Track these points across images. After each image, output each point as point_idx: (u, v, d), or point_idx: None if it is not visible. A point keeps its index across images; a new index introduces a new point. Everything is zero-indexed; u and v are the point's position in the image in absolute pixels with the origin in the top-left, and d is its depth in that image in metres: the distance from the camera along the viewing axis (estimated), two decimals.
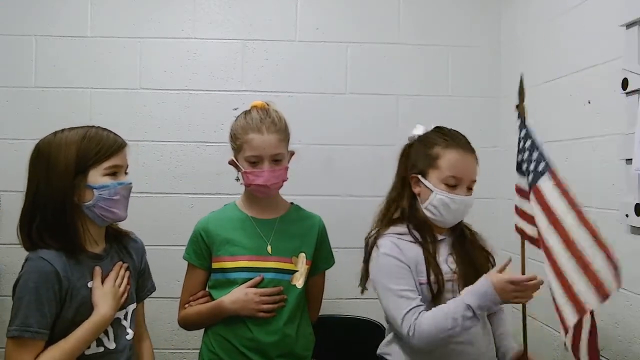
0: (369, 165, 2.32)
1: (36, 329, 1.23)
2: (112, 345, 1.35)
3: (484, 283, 1.37)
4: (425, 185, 1.49)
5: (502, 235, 2.11)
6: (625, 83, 1.51)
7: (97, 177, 1.31)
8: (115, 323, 1.37)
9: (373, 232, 1.57)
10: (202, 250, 1.61)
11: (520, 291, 1.35)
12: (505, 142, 2.33)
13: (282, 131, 1.57)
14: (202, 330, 1.66)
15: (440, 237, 1.53)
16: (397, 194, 1.56)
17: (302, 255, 1.62)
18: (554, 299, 1.22)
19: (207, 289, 1.66)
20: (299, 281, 1.61)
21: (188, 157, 2.29)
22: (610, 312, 1.59)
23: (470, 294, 1.37)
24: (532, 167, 1.33)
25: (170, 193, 2.29)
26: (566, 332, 1.21)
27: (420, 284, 1.46)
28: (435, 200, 1.47)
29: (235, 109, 1.74)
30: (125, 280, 1.40)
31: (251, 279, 1.56)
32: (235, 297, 1.54)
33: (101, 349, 1.33)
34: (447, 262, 1.50)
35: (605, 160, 1.63)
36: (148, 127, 2.27)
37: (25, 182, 1.36)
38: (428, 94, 2.35)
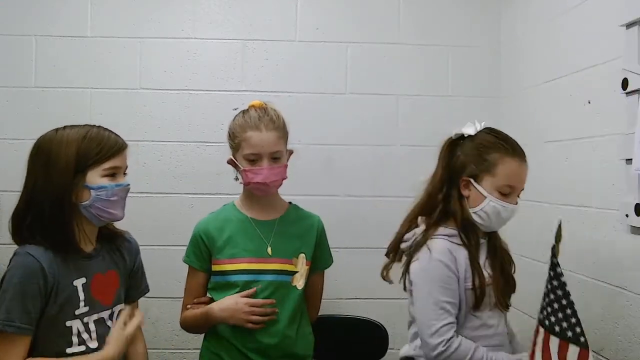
0: (369, 165, 2.32)
1: (19, 324, 1.23)
2: (94, 345, 1.34)
3: None
4: (478, 191, 1.45)
5: (501, 236, 2.11)
6: (625, 83, 1.51)
7: (95, 177, 1.31)
8: (99, 323, 1.36)
9: (418, 230, 1.51)
10: (202, 252, 1.61)
11: None
12: None
13: (281, 129, 1.57)
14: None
15: (481, 241, 1.51)
16: (444, 194, 1.50)
17: (302, 255, 1.62)
18: None
19: (208, 291, 1.65)
20: (299, 282, 1.60)
21: (188, 157, 2.29)
22: (610, 312, 1.59)
23: None
24: (564, 324, 1.33)
25: (170, 193, 2.29)
26: None
27: (466, 289, 1.43)
28: (488, 207, 1.43)
29: (235, 109, 1.73)
30: (136, 322, 1.38)
31: (251, 281, 1.55)
32: (225, 305, 1.53)
33: (83, 348, 1.32)
34: (484, 266, 1.48)
35: (605, 160, 1.63)
36: (148, 127, 2.27)
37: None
38: (428, 94, 2.35)
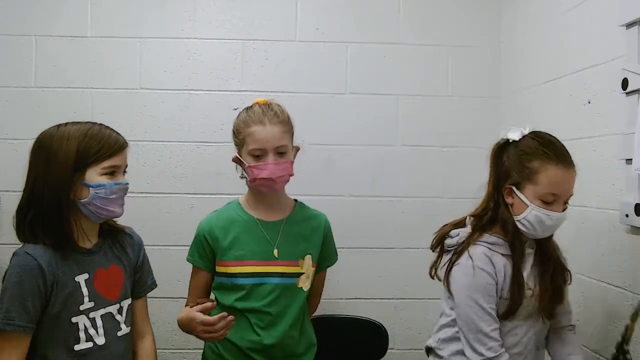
0: (369, 165, 2.32)
1: (18, 323, 1.23)
2: (101, 341, 1.34)
3: None
4: (520, 199, 1.40)
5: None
6: (625, 83, 1.51)
7: (94, 175, 1.31)
8: (107, 317, 1.37)
9: (464, 231, 1.50)
10: (207, 252, 1.59)
11: None
12: None
13: (285, 123, 1.54)
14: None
15: (528, 252, 1.47)
16: (495, 202, 1.46)
17: (308, 257, 1.60)
18: None
19: (212, 290, 1.64)
20: (305, 283, 1.59)
21: (188, 157, 2.29)
22: (610, 312, 1.59)
23: None
24: None
25: (170, 193, 2.29)
26: None
27: (501, 298, 1.42)
28: (531, 215, 1.39)
29: (236, 109, 1.73)
30: None
31: (258, 284, 1.54)
32: (183, 318, 1.51)
33: (90, 344, 1.33)
34: (528, 277, 1.45)
35: (605, 160, 1.63)
36: (148, 127, 2.27)
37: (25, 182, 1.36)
38: (428, 94, 2.35)
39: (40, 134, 1.35)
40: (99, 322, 1.35)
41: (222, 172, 2.29)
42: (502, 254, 1.43)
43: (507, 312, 1.42)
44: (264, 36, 2.31)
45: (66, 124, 1.35)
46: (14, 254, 1.30)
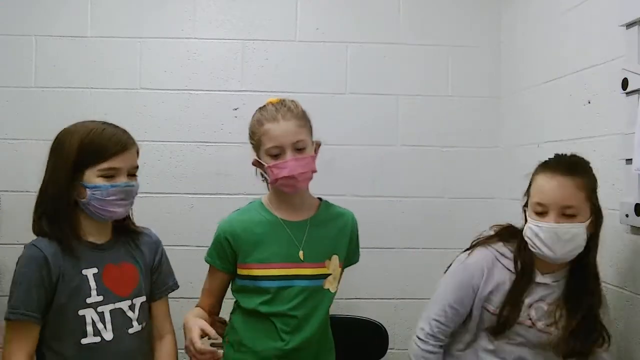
0: (369, 165, 2.32)
1: (23, 312, 1.27)
2: (109, 336, 1.34)
3: None
4: (526, 215, 1.39)
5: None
6: (625, 83, 1.51)
7: (91, 177, 1.32)
8: (117, 313, 1.37)
9: (485, 234, 1.50)
10: (227, 254, 1.51)
11: None
12: (505, 142, 2.33)
13: (301, 117, 1.47)
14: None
15: (541, 280, 1.40)
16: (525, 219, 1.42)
17: (335, 257, 1.53)
18: None
19: (233, 292, 1.59)
20: (332, 285, 1.52)
21: (188, 157, 2.29)
22: (611, 312, 1.59)
23: None
24: None
25: (170, 193, 2.29)
26: None
27: (485, 308, 1.41)
28: (528, 230, 1.36)
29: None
30: None
31: (284, 287, 1.47)
32: (189, 322, 1.40)
33: (97, 339, 1.33)
34: (532, 306, 1.39)
35: (605, 160, 1.63)
36: (148, 127, 2.27)
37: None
38: (428, 94, 2.35)
39: (61, 130, 1.39)
40: (108, 317, 1.35)
41: (222, 172, 2.29)
42: (508, 269, 1.41)
43: (492, 328, 1.40)
44: (264, 36, 2.31)
45: (83, 122, 1.38)
46: (24, 247, 1.34)
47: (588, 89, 1.73)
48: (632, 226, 1.50)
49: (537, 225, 1.33)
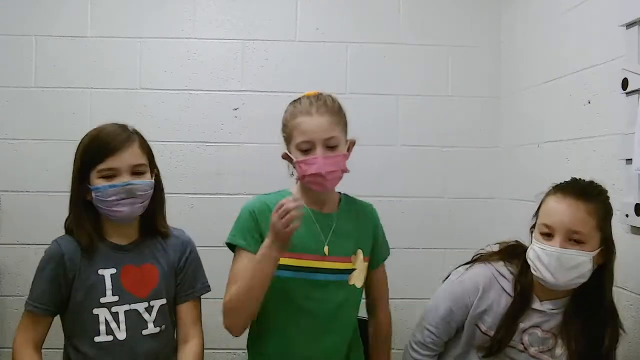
0: (369, 165, 2.32)
1: (35, 304, 1.34)
2: (122, 336, 1.35)
3: None
4: (532, 237, 1.34)
5: (501, 236, 2.10)
6: (625, 83, 1.51)
7: (94, 178, 1.33)
8: (132, 314, 1.37)
9: (486, 249, 1.48)
10: (255, 232, 1.40)
11: None
12: (505, 142, 2.33)
13: (336, 113, 1.39)
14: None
15: (538, 307, 1.35)
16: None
17: (360, 252, 1.47)
18: None
19: None
20: (357, 280, 1.46)
21: (188, 157, 2.29)
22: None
23: None
24: None
25: (170, 193, 2.24)
26: None
27: (479, 328, 1.39)
28: (531, 252, 1.31)
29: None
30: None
31: (306, 280, 1.39)
32: (270, 230, 1.29)
33: (110, 338, 1.34)
34: (526, 331, 1.35)
35: (605, 160, 1.63)
36: (148, 127, 2.24)
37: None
38: (428, 94, 2.35)
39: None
40: (122, 318, 1.35)
41: (222, 172, 2.29)
42: (505, 291, 1.38)
43: (484, 348, 1.37)
44: (264, 36, 2.31)
45: (105, 124, 1.41)
46: (51, 242, 1.40)
47: (588, 89, 1.73)
48: (632, 226, 1.51)
49: (542, 248, 1.28)
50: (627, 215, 1.50)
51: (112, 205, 1.33)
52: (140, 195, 1.35)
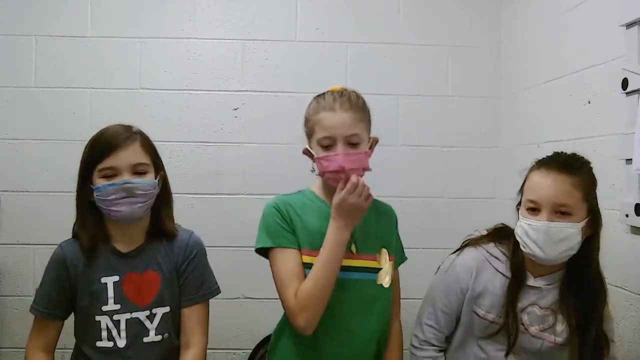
0: (369, 165, 2.31)
1: (40, 308, 1.35)
2: (122, 343, 1.34)
3: None
4: (518, 214, 1.33)
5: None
6: (625, 83, 1.51)
7: (95, 178, 1.33)
8: (133, 322, 1.36)
9: (474, 234, 1.47)
10: (288, 227, 1.37)
11: None
12: (505, 142, 2.33)
13: (359, 110, 1.36)
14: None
15: (533, 283, 1.35)
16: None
17: (384, 251, 1.45)
18: None
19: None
20: (385, 280, 1.42)
21: (188, 157, 2.29)
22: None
23: None
24: None
25: None
26: None
27: (476, 314, 1.37)
28: (519, 229, 1.30)
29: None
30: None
31: (337, 279, 1.33)
32: (338, 212, 1.29)
33: (110, 344, 1.34)
34: (524, 310, 1.34)
35: (605, 160, 1.63)
36: (148, 127, 2.24)
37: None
38: (428, 94, 2.35)
39: None
40: (123, 325, 1.35)
41: (222, 172, 2.29)
42: (499, 271, 1.37)
43: (489, 334, 1.35)
44: (264, 36, 2.31)
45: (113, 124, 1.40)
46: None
47: (588, 89, 1.73)
48: (632, 226, 1.51)
49: (529, 224, 1.28)
50: (627, 215, 1.50)
51: (111, 204, 1.32)
52: (140, 194, 1.33)
